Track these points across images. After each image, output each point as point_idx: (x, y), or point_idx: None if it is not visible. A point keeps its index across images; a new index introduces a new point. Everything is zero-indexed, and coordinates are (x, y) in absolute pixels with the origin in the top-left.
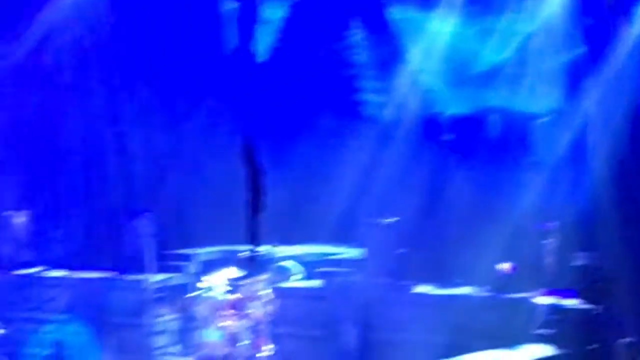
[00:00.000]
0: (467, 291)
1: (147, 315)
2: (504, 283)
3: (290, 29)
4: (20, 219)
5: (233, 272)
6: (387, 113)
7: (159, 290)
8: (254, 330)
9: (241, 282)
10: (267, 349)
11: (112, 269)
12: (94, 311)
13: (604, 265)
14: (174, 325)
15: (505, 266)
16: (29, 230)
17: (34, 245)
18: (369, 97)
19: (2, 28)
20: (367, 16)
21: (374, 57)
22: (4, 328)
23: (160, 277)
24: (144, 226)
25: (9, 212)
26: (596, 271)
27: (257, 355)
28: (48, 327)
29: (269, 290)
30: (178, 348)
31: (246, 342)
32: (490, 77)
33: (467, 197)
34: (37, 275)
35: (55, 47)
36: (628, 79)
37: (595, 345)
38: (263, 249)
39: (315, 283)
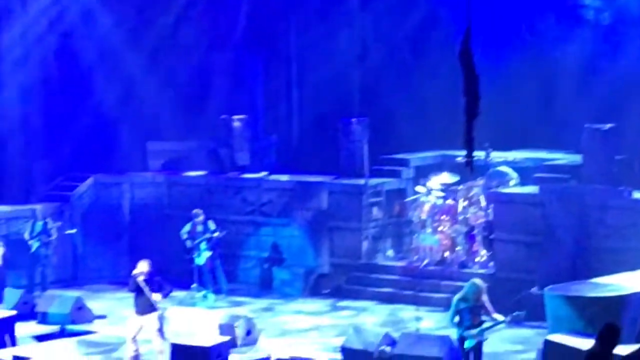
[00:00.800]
0: None
1: (363, 219)
2: None
3: None
4: (237, 123)
5: (448, 177)
6: (606, 17)
7: (374, 194)
8: (469, 235)
9: (456, 188)
10: (482, 255)
11: (328, 173)
12: (310, 214)
13: None
14: (390, 230)
15: None
16: (246, 135)
17: (251, 149)
18: (589, 0)
19: None
20: None
21: None
22: (222, 230)
23: (376, 181)
24: (359, 131)
25: (227, 117)
26: None
27: (473, 260)
28: (266, 230)
29: (484, 196)
30: (392, 252)
31: (461, 247)
32: None
33: None
34: (255, 178)
35: None
36: None
37: None
38: (479, 154)
39: (532, 189)
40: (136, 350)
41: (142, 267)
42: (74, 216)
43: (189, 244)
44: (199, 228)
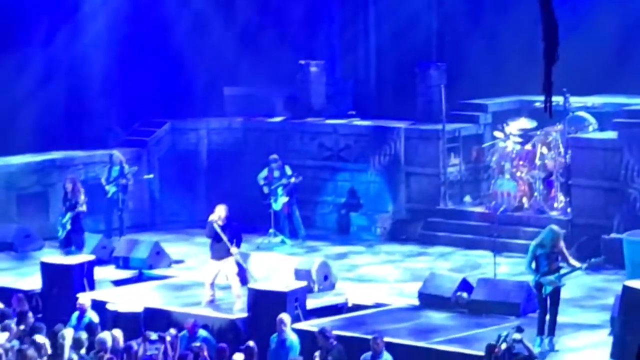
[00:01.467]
0: None
1: (440, 165)
2: None
3: None
4: (314, 69)
5: (526, 122)
6: None
7: (452, 140)
8: (547, 181)
9: (534, 133)
10: (560, 200)
11: (405, 119)
12: (387, 159)
13: None
14: (467, 175)
15: None
16: (323, 80)
17: (328, 95)
18: None
19: None
20: None
21: None
22: (298, 176)
23: (453, 126)
24: (437, 76)
25: (304, 62)
26: None
27: (550, 206)
28: (342, 176)
29: (562, 141)
30: (470, 198)
31: (538, 193)
32: None
33: None
34: (331, 124)
35: None
36: None
37: None
38: (557, 99)
39: (611, 134)
40: (212, 295)
41: (219, 212)
42: (151, 161)
43: (265, 189)
44: (276, 173)
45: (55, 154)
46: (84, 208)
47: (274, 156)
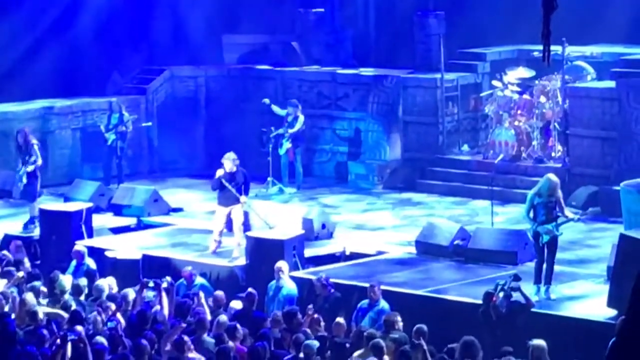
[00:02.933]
0: None
1: (438, 114)
2: None
3: None
4: (313, 17)
5: (524, 71)
6: None
7: (450, 88)
8: (545, 130)
9: (533, 82)
10: (558, 150)
11: (404, 67)
12: (385, 108)
13: None
14: (465, 124)
15: None
16: (322, 28)
17: (327, 43)
18: None
19: None
20: None
21: None
22: (304, 127)
23: (451, 75)
24: (435, 25)
25: (303, 10)
26: None
27: (548, 155)
28: (341, 124)
29: (561, 91)
30: (467, 147)
31: (536, 142)
32: None
33: None
34: (329, 72)
35: None
36: None
37: None
38: (555, 48)
39: (609, 84)
40: (219, 242)
41: (226, 164)
42: (149, 109)
43: (272, 133)
44: (290, 118)
45: (54, 101)
46: (39, 162)
47: (294, 101)
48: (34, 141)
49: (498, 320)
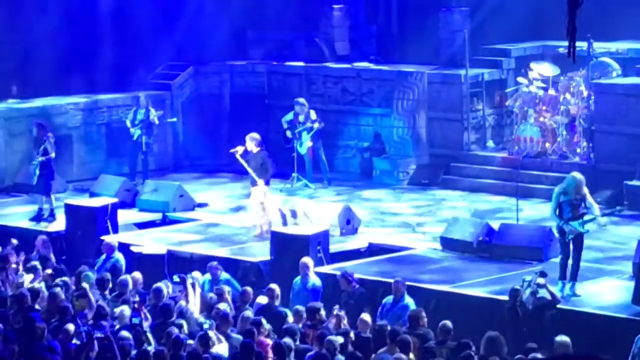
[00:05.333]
0: None
1: (463, 110)
2: None
3: None
4: (337, 13)
5: (550, 68)
6: None
7: (475, 85)
8: (570, 126)
9: (558, 78)
10: (583, 146)
11: (428, 63)
12: (410, 104)
13: None
14: (490, 121)
15: None
16: (346, 24)
17: (351, 39)
18: None
19: None
20: None
21: None
22: (321, 122)
23: (476, 71)
24: (460, 21)
25: (327, 6)
26: None
27: (573, 151)
28: (365, 120)
29: (586, 87)
30: (492, 143)
31: (561, 138)
32: None
33: None
34: (355, 68)
35: None
36: None
37: None
38: (581, 45)
39: (634, 80)
40: (265, 218)
41: (247, 143)
42: (174, 104)
43: (288, 133)
44: (301, 118)
45: (79, 97)
46: (52, 155)
47: (301, 100)
48: (49, 134)
49: (524, 317)
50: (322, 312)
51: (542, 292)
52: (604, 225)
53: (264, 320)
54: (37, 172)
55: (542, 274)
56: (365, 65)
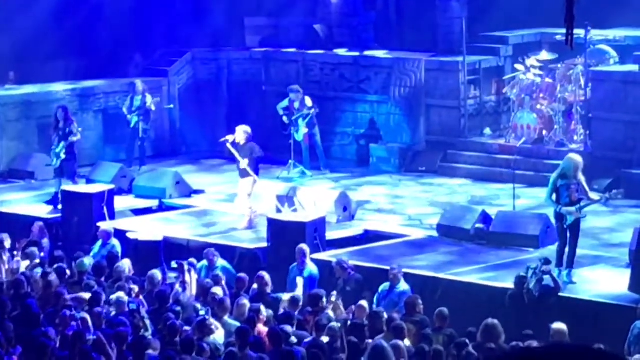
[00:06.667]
0: None
1: (460, 97)
2: None
3: None
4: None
5: (547, 55)
6: None
7: (472, 72)
8: (567, 114)
9: (555, 66)
10: (580, 133)
11: (426, 50)
12: (407, 91)
13: None
14: (487, 108)
15: None
16: (344, 11)
17: (349, 26)
18: None
19: None
20: None
21: None
22: (317, 108)
23: (474, 59)
24: (458, 8)
25: None
26: None
27: (570, 139)
28: (362, 107)
29: (583, 74)
30: (489, 130)
31: (558, 126)
32: None
33: None
34: (352, 55)
35: None
36: None
37: None
38: (578, 32)
39: (632, 67)
40: (250, 209)
41: (237, 134)
42: (171, 91)
43: (285, 120)
44: (297, 104)
45: (76, 83)
46: (78, 137)
47: (295, 87)
48: (73, 118)
49: (529, 304)
50: (324, 300)
51: (547, 279)
52: (604, 202)
53: (262, 307)
54: (63, 155)
55: (547, 261)
56: (362, 52)
